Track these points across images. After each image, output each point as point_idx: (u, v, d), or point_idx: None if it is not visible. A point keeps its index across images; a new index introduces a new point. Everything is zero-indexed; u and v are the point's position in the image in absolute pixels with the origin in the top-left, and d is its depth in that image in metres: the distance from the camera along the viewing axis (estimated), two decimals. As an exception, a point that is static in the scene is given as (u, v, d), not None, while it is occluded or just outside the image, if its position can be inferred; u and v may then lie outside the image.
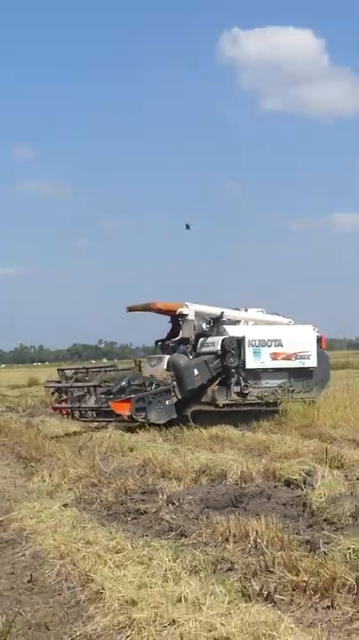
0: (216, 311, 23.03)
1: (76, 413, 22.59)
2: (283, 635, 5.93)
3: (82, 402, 21.96)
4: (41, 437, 19.40)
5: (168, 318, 23.70)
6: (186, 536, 9.61)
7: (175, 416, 20.74)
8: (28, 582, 8.50)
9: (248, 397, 21.98)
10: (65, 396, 22.86)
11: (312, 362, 23.11)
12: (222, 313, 22.90)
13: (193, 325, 22.44)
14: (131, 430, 20.13)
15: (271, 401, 21.88)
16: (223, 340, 21.90)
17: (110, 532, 9.61)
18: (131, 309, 23.88)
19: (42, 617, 7.44)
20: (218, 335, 22.37)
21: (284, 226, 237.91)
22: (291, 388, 22.49)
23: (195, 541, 9.31)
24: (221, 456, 14.46)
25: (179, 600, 6.99)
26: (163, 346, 23.33)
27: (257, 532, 9.00)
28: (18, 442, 19.61)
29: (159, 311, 23.50)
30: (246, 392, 21.86)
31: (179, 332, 23.01)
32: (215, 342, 22.05)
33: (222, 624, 6.21)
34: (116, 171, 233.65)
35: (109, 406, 20.17)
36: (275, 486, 12.11)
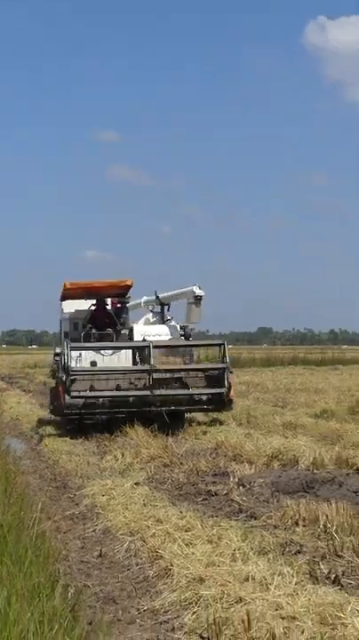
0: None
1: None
2: (349, 617, 5.89)
3: None
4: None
5: None
6: (255, 518, 9.60)
7: None
8: (98, 557, 8.61)
9: None
10: None
11: None
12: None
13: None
14: (205, 414, 20.14)
15: None
16: (185, 328, 20.57)
17: (181, 512, 9.66)
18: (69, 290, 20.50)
19: (110, 591, 7.52)
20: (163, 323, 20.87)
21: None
22: None
23: (264, 523, 9.28)
24: (294, 442, 14.41)
25: (247, 579, 7.01)
26: (99, 335, 20.35)
27: (327, 517, 8.93)
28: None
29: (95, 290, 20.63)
30: None
31: (107, 319, 20.78)
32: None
33: (289, 604, 6.20)
34: (196, 158, 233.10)
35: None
36: (348, 474, 12.02)
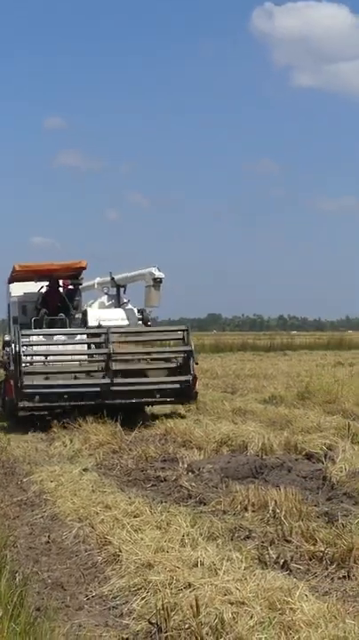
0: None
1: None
2: (297, 601, 5.91)
3: None
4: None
5: None
6: (204, 504, 9.62)
7: None
8: (46, 543, 8.56)
9: None
10: None
11: None
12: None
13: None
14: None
15: None
16: (143, 312, 19.72)
17: (129, 497, 9.65)
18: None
19: (58, 577, 7.50)
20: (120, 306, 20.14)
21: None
22: None
23: (213, 509, 9.31)
24: (243, 428, 14.42)
25: (196, 565, 7.01)
26: (51, 320, 19.34)
27: (276, 503, 8.98)
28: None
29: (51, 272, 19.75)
30: None
31: (60, 303, 19.80)
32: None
33: (237, 589, 6.20)
34: (145, 144, 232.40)
35: None
36: (296, 459, 12.08)
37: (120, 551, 7.66)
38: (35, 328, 18.67)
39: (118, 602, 6.68)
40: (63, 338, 18.35)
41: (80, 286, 20.66)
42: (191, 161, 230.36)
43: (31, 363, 17.16)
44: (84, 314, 19.68)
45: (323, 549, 7.51)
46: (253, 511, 9.07)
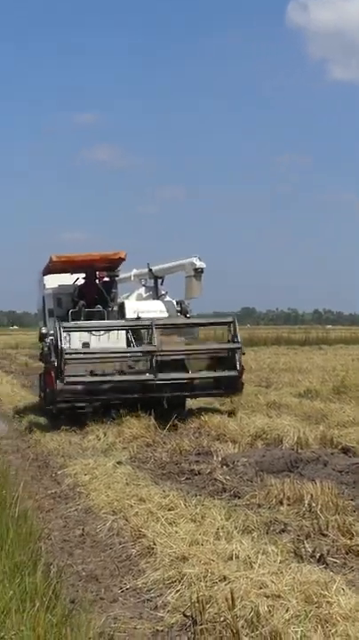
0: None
1: None
2: (334, 595, 5.83)
3: None
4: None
5: None
6: (239, 497, 9.56)
7: None
8: (80, 536, 8.54)
9: None
10: None
11: None
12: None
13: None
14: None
15: None
16: (182, 304, 18.88)
17: (163, 491, 9.60)
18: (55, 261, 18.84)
19: (92, 569, 7.47)
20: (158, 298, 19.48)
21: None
22: None
23: (248, 502, 9.24)
24: (278, 421, 14.35)
25: (231, 558, 6.96)
26: (88, 313, 18.64)
27: (312, 496, 8.91)
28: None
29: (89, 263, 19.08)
30: None
31: (97, 295, 19.11)
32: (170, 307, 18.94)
33: (273, 582, 6.13)
34: (177, 140, 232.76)
35: None
36: (332, 453, 12.01)
37: (154, 544, 7.63)
38: (72, 320, 18.07)
39: (153, 594, 6.65)
40: (105, 330, 17.70)
41: (117, 278, 20.33)
42: (225, 156, 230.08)
43: (72, 355, 16.41)
44: (121, 306, 19.14)
45: (359, 543, 7.44)
46: (289, 505, 9.00)
